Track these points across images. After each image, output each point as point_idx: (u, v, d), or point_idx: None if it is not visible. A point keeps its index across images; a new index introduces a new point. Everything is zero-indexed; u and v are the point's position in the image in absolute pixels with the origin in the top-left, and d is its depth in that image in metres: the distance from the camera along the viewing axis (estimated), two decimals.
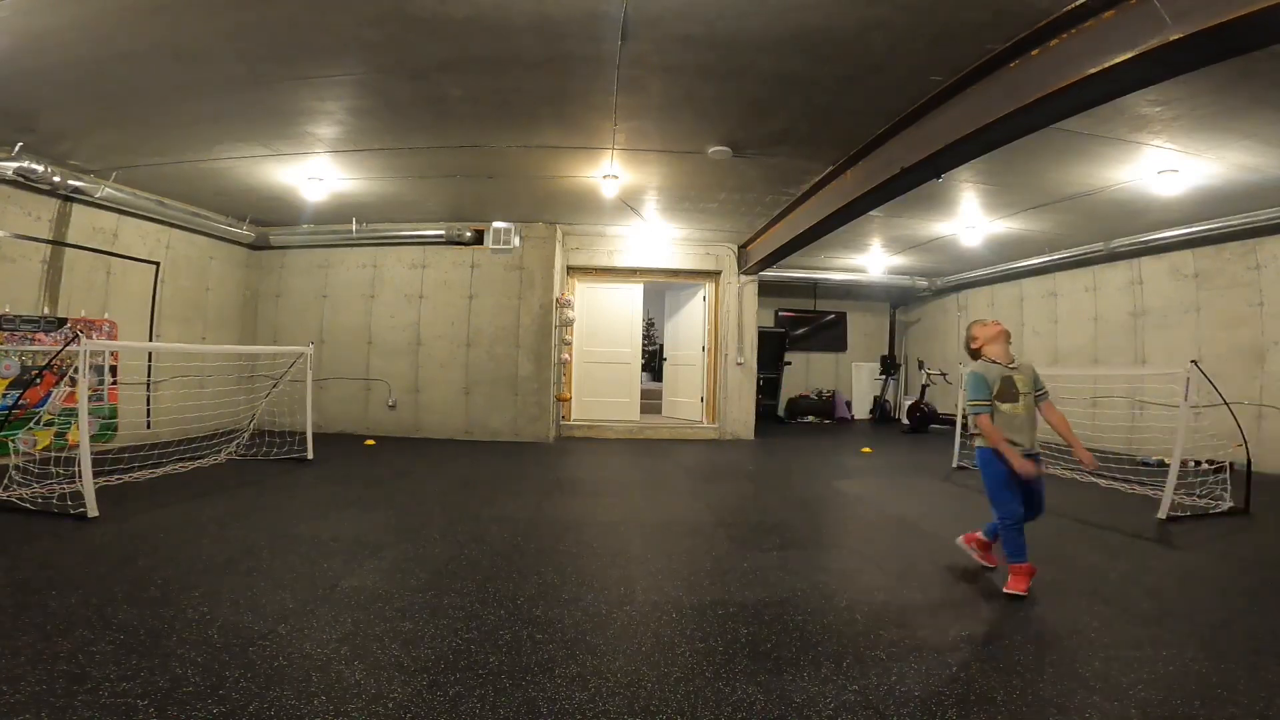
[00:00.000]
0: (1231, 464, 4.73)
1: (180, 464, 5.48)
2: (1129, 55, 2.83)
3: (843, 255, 9.90)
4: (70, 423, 5.09)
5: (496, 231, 8.14)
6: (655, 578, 3.08)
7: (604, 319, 9.29)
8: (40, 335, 5.63)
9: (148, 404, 6.76)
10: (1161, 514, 4.30)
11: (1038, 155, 5.06)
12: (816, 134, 4.90)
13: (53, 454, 4.40)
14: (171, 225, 7.12)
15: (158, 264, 7.07)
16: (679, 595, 2.84)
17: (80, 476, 3.81)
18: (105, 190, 6.01)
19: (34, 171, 5.37)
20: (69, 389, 4.66)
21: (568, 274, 9.00)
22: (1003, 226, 7.43)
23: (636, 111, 4.59)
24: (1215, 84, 3.65)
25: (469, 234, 8.17)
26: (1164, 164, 5.05)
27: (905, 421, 10.60)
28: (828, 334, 12.65)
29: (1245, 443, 4.65)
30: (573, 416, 9.08)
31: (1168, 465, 4.49)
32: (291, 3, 3.29)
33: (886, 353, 12.57)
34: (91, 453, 3.89)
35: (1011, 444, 2.87)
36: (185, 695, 1.85)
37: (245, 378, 7.85)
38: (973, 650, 2.31)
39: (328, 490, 4.93)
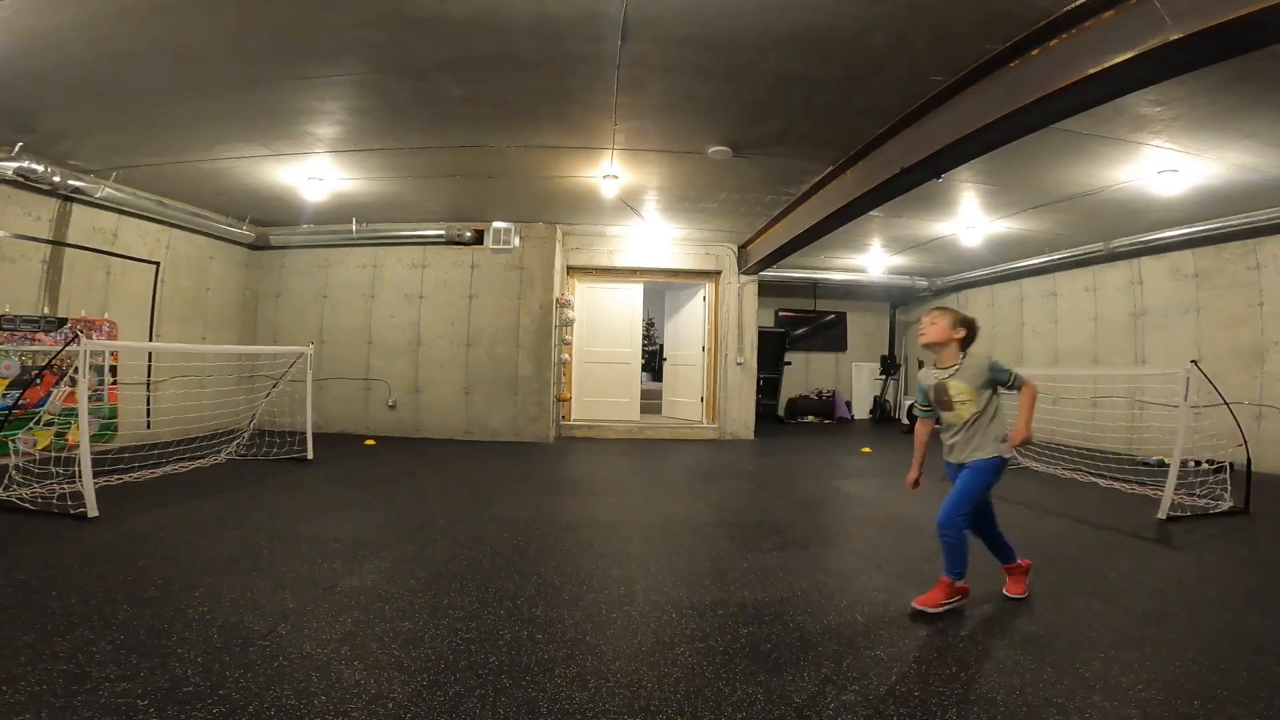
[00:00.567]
0: (1231, 464, 4.73)
1: (180, 464, 5.48)
2: (1129, 55, 2.83)
3: (843, 255, 9.89)
4: (70, 423, 5.09)
5: (496, 231, 8.14)
6: (655, 578, 3.08)
7: (604, 319, 9.29)
8: (40, 335, 5.63)
9: (148, 404, 6.76)
10: (1161, 514, 4.30)
11: (1038, 155, 5.06)
12: (816, 134, 4.90)
13: (53, 454, 4.40)
14: (171, 225, 7.12)
15: (158, 264, 7.07)
16: (679, 595, 2.84)
17: (80, 476, 3.80)
18: (105, 190, 6.01)
19: (34, 171, 5.37)
20: (69, 389, 4.66)
21: (568, 274, 8.99)
22: (1003, 226, 7.43)
23: (636, 111, 4.59)
24: (1215, 84, 3.65)
25: (469, 234, 8.17)
26: (1164, 164, 5.05)
27: (905, 421, 10.60)
28: (828, 334, 12.65)
29: (1245, 443, 4.64)
30: (573, 416, 9.08)
31: (1168, 465, 4.49)
32: (291, 3, 3.29)
33: (886, 353, 12.57)
34: (91, 453, 3.89)
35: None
36: (185, 695, 1.85)
37: (245, 378, 7.85)
38: (973, 650, 2.31)
39: (328, 490, 4.93)
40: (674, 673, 2.11)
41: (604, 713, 1.86)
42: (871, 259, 9.99)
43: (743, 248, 9.01)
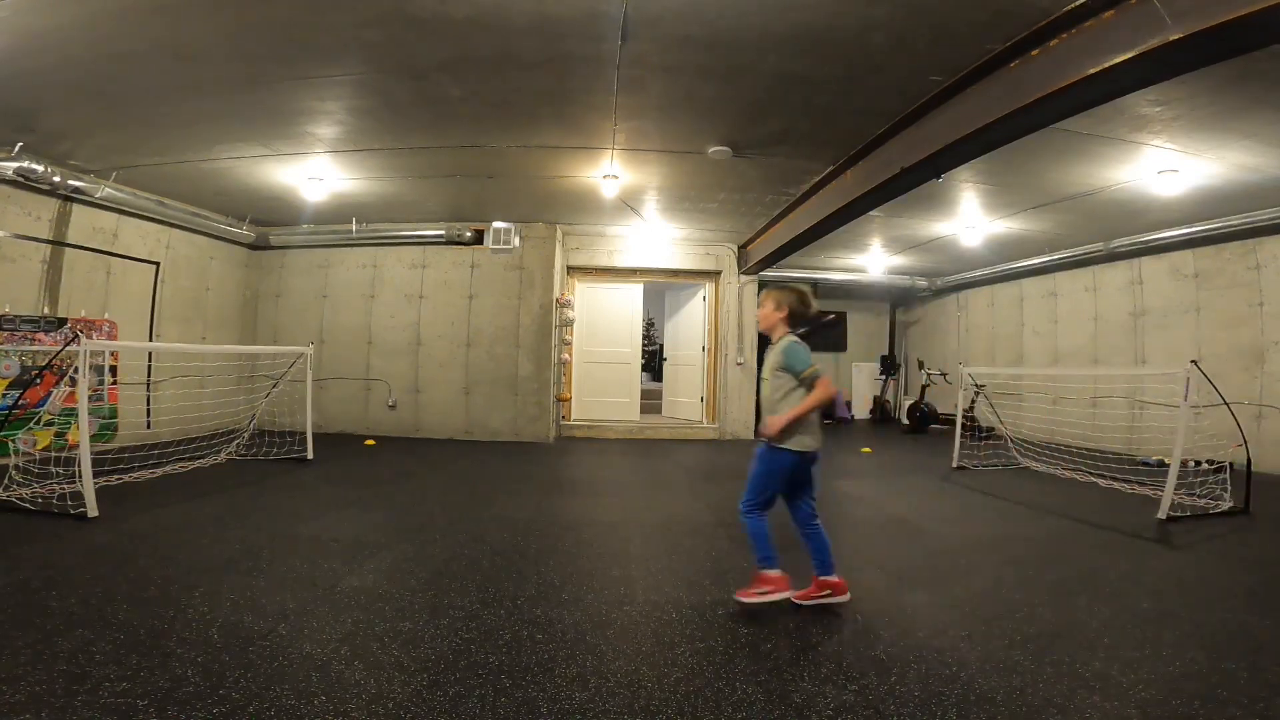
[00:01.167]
0: (1231, 464, 4.73)
1: (180, 464, 5.48)
2: (1129, 55, 2.84)
3: (843, 255, 9.89)
4: (70, 423, 5.09)
5: (496, 231, 8.14)
6: (655, 578, 3.08)
7: (604, 319, 9.29)
8: (40, 335, 5.63)
9: (148, 404, 6.76)
10: (1161, 514, 4.30)
11: (1038, 155, 5.06)
12: (816, 134, 4.91)
13: (53, 454, 4.40)
14: (171, 225, 7.12)
15: (158, 264, 7.07)
16: (679, 595, 2.84)
17: (80, 476, 3.80)
18: (105, 190, 6.01)
19: (34, 171, 5.37)
20: (69, 389, 4.66)
21: (568, 274, 9.00)
22: (1003, 226, 7.43)
23: (636, 111, 4.59)
24: (1215, 84, 3.65)
25: (469, 234, 8.17)
26: (1164, 164, 5.05)
27: (905, 421, 10.60)
28: (828, 334, 12.64)
29: (1245, 443, 4.64)
30: (573, 416, 9.08)
31: (1168, 465, 4.49)
32: (291, 3, 3.29)
33: (886, 353, 12.58)
34: (91, 453, 3.89)
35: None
36: (185, 695, 1.85)
37: (245, 378, 7.85)
38: (973, 650, 2.31)
39: (328, 490, 4.93)
40: (674, 673, 2.11)
41: (604, 713, 1.86)
42: (871, 259, 9.99)
43: (743, 248, 9.01)
